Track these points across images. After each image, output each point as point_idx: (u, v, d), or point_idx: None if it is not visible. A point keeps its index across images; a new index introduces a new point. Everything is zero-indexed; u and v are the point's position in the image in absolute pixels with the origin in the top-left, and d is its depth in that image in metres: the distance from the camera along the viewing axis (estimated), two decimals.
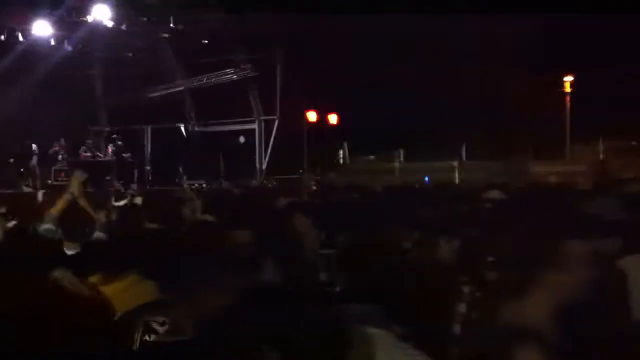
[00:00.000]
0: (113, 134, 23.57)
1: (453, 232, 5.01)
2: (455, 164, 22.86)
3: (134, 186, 19.16)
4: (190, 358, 1.72)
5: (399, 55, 26.04)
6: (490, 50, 24.63)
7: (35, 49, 21.26)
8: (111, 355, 1.90)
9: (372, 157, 27.19)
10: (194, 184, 21.15)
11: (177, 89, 25.14)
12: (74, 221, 5.41)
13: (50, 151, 21.18)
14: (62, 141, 21.76)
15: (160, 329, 2.33)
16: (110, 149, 22.08)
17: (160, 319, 2.35)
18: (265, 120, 24.03)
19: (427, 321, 2.64)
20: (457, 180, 19.23)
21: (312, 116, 23.57)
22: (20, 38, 20.48)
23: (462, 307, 3.69)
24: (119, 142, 21.98)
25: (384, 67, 25.60)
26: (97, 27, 20.35)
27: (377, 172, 21.96)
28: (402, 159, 25.75)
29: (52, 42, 21.35)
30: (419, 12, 23.38)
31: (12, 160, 20.90)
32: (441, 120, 25.56)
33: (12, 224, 5.47)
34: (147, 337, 2.31)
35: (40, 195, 10.24)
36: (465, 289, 3.84)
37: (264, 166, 23.44)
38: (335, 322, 1.63)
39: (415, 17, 23.42)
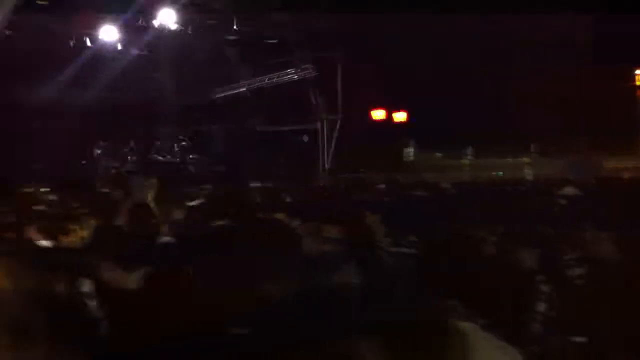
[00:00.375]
0: (179, 136, 24.01)
1: (530, 228, 4.86)
2: (527, 160, 22.42)
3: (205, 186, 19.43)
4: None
5: (466, 52, 25.65)
6: (557, 45, 24.02)
7: (103, 53, 21.79)
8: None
9: (439, 154, 26.86)
10: (259, 184, 21.32)
11: (241, 90, 25.39)
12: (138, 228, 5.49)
13: (120, 153, 21.79)
14: (132, 143, 22.32)
15: None
16: (177, 150, 22.51)
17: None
18: (329, 119, 24.01)
19: (506, 319, 2.53)
20: (529, 177, 18.79)
21: (378, 114, 23.41)
22: (89, 43, 21.00)
23: (541, 306, 3.56)
24: (184, 144, 22.37)
25: (450, 64, 25.26)
26: (163, 31, 20.68)
27: (446, 170, 21.69)
28: (470, 155, 25.34)
29: (120, 47, 21.84)
30: (484, 10, 22.96)
31: (84, 162, 21.61)
32: (510, 116, 25.06)
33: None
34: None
35: (116, 196, 10.40)
36: (545, 288, 3.71)
37: (328, 165, 23.40)
38: (426, 315, 1.58)
39: (480, 14, 23.00)
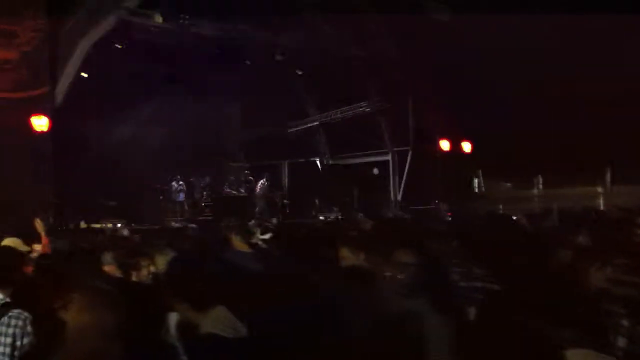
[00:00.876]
0: (246, 170, 24.47)
1: (604, 259, 4.79)
2: (600, 189, 21.81)
3: (273, 220, 19.66)
4: None
5: (533, 79, 25.33)
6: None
7: (179, 90, 22.44)
8: None
9: (508, 184, 26.44)
10: (329, 216, 21.46)
11: (312, 124, 25.71)
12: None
13: (198, 187, 22.35)
14: (207, 179, 22.85)
15: None
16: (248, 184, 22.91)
17: None
18: (398, 151, 24.02)
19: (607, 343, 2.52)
20: (602, 207, 18.28)
21: (445, 145, 23.27)
22: (165, 81, 21.69)
23: (621, 341, 3.50)
24: (250, 177, 22.76)
25: (517, 92, 24.96)
26: (235, 67, 21.18)
27: (515, 200, 21.33)
28: (540, 185, 24.85)
29: (194, 84, 22.47)
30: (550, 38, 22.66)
31: (162, 197, 22.19)
32: (582, 144, 24.49)
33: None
34: None
35: (190, 230, 10.70)
36: (625, 322, 3.65)
37: (399, 197, 23.37)
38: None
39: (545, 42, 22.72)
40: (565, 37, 22.38)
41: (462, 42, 22.65)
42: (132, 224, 18.94)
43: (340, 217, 20.47)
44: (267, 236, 8.40)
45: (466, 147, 23.84)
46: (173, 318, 3.86)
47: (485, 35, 22.76)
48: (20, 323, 4.11)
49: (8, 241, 6.52)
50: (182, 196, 22.27)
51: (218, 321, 3.38)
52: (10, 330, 4.07)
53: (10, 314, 4.14)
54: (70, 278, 4.76)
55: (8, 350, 4.06)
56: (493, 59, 23.31)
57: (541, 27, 22.14)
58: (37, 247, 8.56)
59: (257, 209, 21.78)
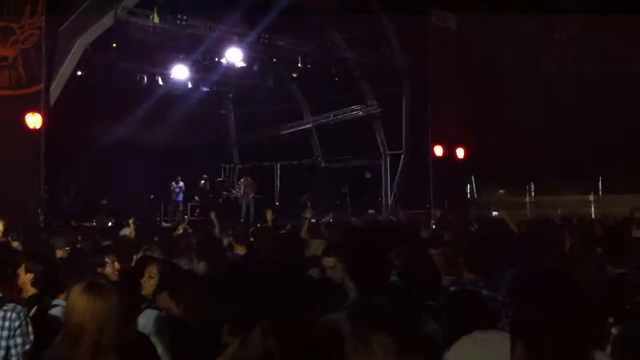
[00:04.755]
0: (242, 173, 24.55)
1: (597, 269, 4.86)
2: (592, 197, 21.96)
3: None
4: None
5: (527, 86, 25.50)
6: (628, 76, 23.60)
7: (174, 91, 22.51)
8: None
9: (501, 191, 26.58)
10: (321, 219, 21.47)
11: (305, 127, 25.76)
12: None
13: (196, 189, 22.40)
14: (203, 181, 22.87)
15: None
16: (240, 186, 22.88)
17: None
18: (391, 155, 24.08)
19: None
20: (593, 215, 18.38)
21: (438, 150, 23.34)
22: (160, 82, 21.75)
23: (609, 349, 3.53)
24: (248, 180, 22.62)
25: (510, 99, 25.12)
26: (230, 69, 21.24)
27: (507, 207, 21.43)
28: (532, 192, 25.01)
29: (189, 85, 22.54)
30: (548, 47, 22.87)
31: (152, 196, 22.18)
32: (573, 152, 24.65)
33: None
34: None
35: (180, 229, 10.73)
36: (614, 330, 3.70)
37: (391, 201, 23.43)
38: None
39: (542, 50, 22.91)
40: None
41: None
42: (124, 223, 18.93)
43: (331, 220, 20.50)
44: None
45: (460, 153, 23.94)
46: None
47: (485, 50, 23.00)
48: (14, 316, 4.13)
49: None
50: (181, 197, 22.27)
51: None
52: (7, 324, 4.10)
53: (5, 307, 4.16)
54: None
55: (3, 343, 4.09)
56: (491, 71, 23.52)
57: None
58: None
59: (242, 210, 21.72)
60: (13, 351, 4.09)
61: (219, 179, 23.44)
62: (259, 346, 2.43)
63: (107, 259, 5.81)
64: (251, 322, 2.45)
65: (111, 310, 2.80)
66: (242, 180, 22.59)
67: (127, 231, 10.94)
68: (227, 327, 2.52)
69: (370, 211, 19.45)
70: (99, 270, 5.42)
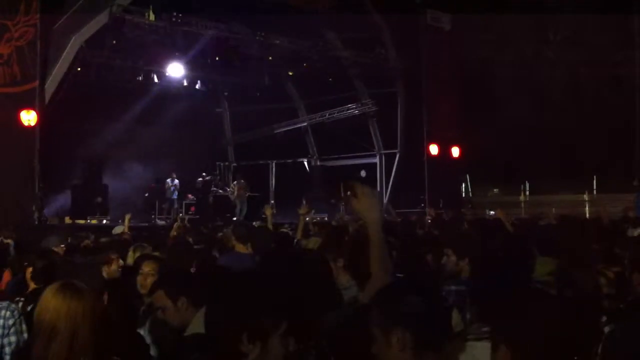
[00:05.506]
0: (236, 171, 24.53)
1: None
2: (586, 197, 22.00)
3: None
4: None
5: (522, 85, 25.58)
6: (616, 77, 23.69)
7: (169, 89, 22.49)
8: None
9: (495, 190, 26.62)
10: (316, 217, 21.46)
11: (300, 125, 25.78)
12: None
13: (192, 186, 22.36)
14: (200, 179, 22.84)
15: None
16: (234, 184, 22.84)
17: None
18: (386, 154, 24.12)
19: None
20: (587, 215, 18.41)
21: (433, 149, 23.38)
22: (156, 79, 21.72)
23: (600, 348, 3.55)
24: (242, 181, 22.58)
25: (507, 98, 25.19)
26: (225, 67, 21.21)
27: (502, 206, 21.46)
28: (527, 192, 25.06)
29: (185, 83, 22.52)
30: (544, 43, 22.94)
31: (147, 194, 22.17)
32: (568, 151, 24.74)
33: None
34: None
35: (175, 227, 10.71)
36: (606, 329, 3.72)
37: (385, 200, 23.45)
38: None
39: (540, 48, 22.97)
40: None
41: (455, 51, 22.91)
42: (120, 221, 18.94)
43: (326, 218, 20.50)
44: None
45: (455, 152, 23.99)
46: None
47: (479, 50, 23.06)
48: (8, 314, 4.13)
49: None
50: (175, 194, 22.23)
51: None
52: (1, 322, 4.09)
53: None
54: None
55: None
56: (486, 70, 23.56)
57: None
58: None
59: (236, 209, 21.71)
60: (7, 349, 4.08)
61: (207, 176, 23.30)
62: (279, 347, 2.35)
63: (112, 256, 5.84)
64: (271, 325, 2.36)
65: (86, 312, 2.81)
66: (234, 182, 22.58)
67: (121, 229, 10.92)
68: (246, 332, 2.37)
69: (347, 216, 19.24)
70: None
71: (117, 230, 11.04)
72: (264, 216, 11.91)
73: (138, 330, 4.06)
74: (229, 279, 2.93)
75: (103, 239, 8.73)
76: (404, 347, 2.38)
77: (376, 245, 3.17)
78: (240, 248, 6.58)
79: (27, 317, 4.20)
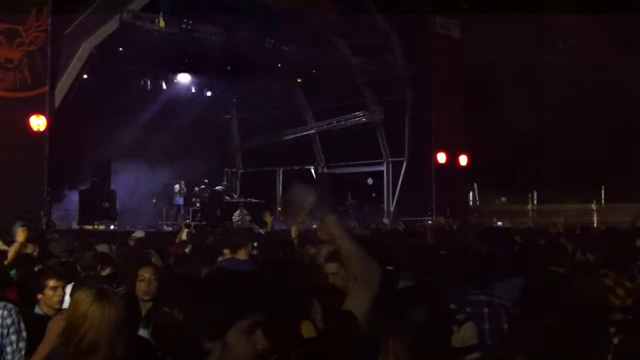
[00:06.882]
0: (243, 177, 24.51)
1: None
2: (594, 206, 21.91)
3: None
4: None
5: (531, 94, 25.46)
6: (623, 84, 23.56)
7: (178, 95, 22.55)
8: None
9: (503, 199, 26.56)
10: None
11: (308, 132, 25.80)
12: None
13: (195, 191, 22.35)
14: (204, 185, 22.84)
15: None
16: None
17: None
18: (394, 162, 24.10)
19: None
20: (595, 224, 18.34)
21: (441, 157, 23.34)
22: (164, 86, 21.79)
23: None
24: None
25: (515, 106, 25.10)
26: (233, 74, 21.26)
27: (510, 215, 21.41)
28: (535, 201, 24.98)
29: (193, 89, 22.57)
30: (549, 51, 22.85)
31: (154, 200, 22.21)
32: (576, 160, 24.59)
33: None
34: None
35: (184, 234, 10.73)
36: (615, 340, 3.70)
37: (392, 208, 23.44)
38: None
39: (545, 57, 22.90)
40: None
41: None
42: (127, 227, 19.00)
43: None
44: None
45: (463, 160, 23.93)
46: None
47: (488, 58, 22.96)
48: (5, 314, 4.13)
49: None
50: (181, 200, 22.25)
51: None
52: None
53: None
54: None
55: None
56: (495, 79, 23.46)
57: None
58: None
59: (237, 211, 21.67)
60: (9, 349, 4.09)
61: (217, 187, 23.26)
62: (244, 345, 2.34)
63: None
64: (227, 325, 2.34)
65: (123, 318, 2.62)
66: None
67: (141, 234, 11.00)
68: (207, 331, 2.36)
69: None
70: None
71: (138, 235, 11.13)
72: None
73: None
74: (203, 282, 3.01)
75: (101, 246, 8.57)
76: (399, 352, 2.37)
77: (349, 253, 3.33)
78: (239, 254, 6.69)
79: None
